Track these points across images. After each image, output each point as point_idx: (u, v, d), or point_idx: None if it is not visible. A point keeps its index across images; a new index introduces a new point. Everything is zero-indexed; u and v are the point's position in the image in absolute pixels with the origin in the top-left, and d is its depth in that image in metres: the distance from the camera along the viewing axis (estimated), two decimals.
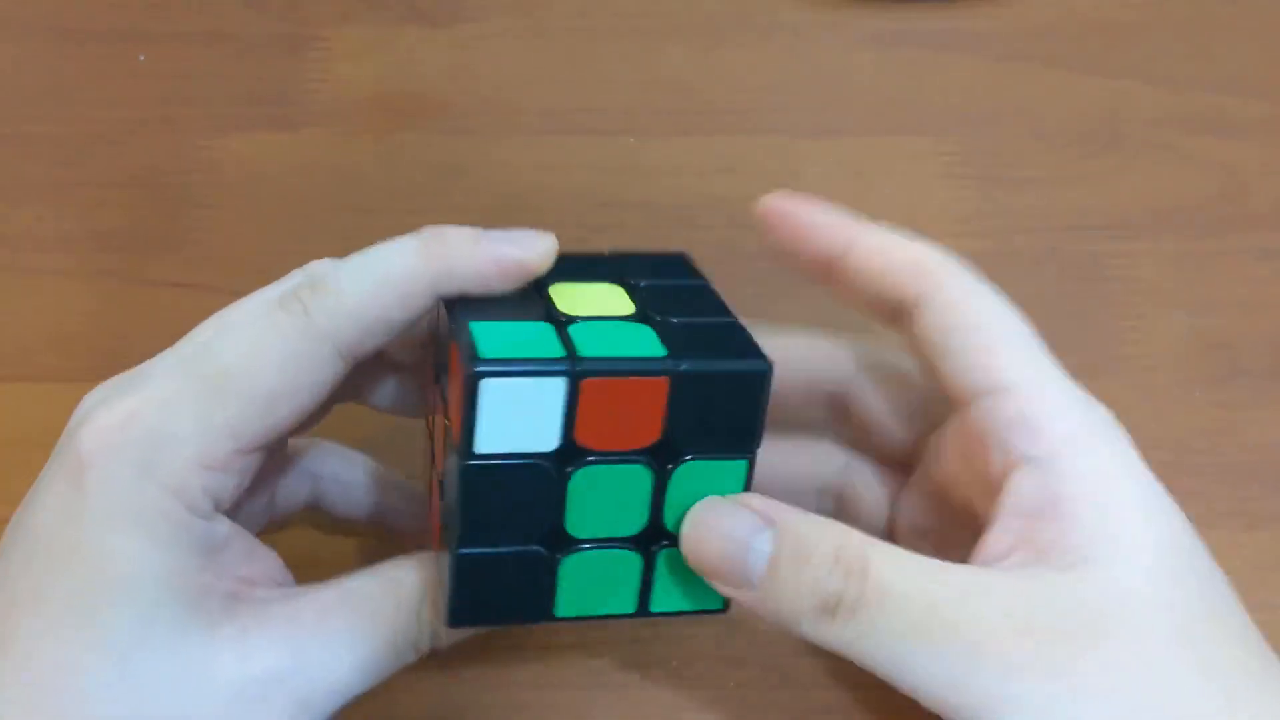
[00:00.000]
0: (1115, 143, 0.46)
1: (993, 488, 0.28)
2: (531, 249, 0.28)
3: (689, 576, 0.27)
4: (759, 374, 0.26)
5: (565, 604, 0.27)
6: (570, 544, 0.27)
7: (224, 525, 0.27)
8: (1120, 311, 0.42)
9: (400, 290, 0.27)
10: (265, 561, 0.29)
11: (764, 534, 0.26)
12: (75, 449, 0.26)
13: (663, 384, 0.26)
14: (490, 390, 0.24)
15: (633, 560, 0.28)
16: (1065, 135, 0.46)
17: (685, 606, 0.29)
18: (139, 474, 0.26)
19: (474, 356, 0.25)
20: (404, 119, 0.45)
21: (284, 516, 0.33)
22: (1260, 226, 0.44)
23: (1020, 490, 0.27)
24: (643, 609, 0.28)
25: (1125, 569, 0.26)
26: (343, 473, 0.33)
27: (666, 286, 0.29)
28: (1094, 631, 0.25)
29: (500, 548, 0.26)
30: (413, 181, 0.44)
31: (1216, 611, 0.27)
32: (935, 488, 0.31)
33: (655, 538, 0.27)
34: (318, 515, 0.34)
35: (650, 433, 0.26)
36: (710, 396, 0.26)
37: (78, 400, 0.38)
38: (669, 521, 0.27)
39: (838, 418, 0.34)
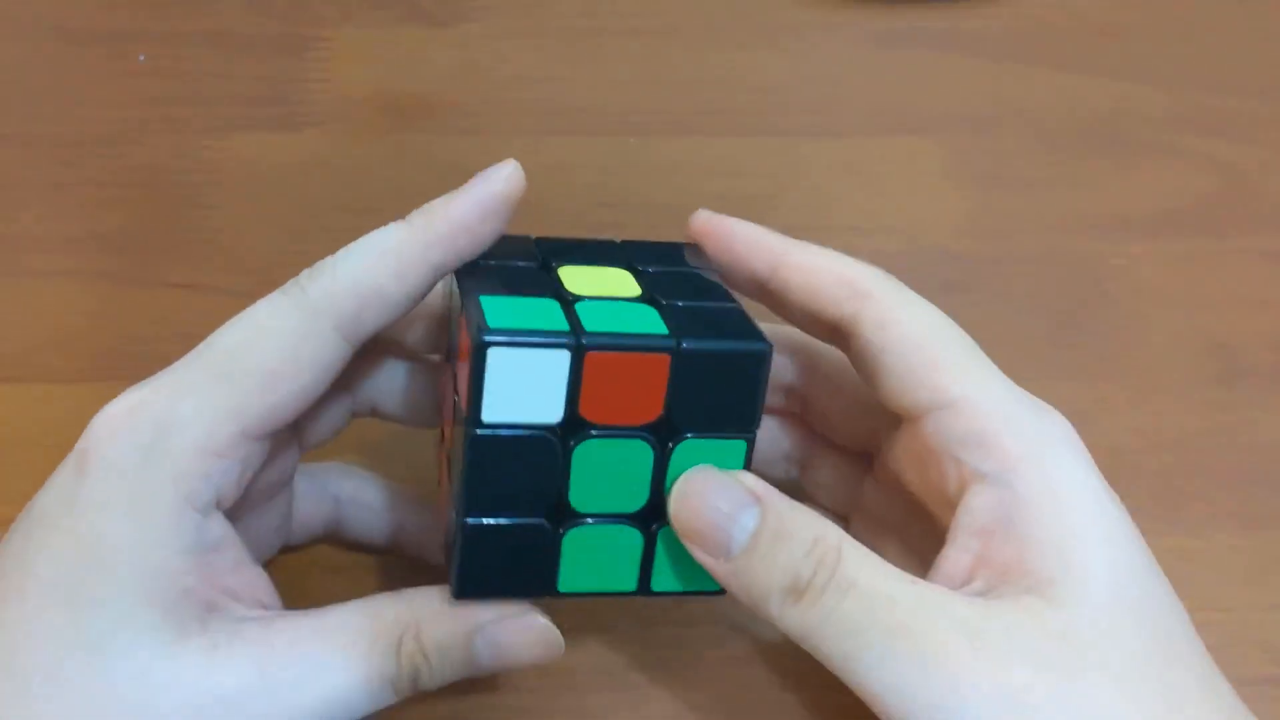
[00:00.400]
0: (1115, 143, 0.46)
1: (949, 501, 0.28)
2: (499, 177, 0.29)
3: (688, 557, 0.28)
4: (758, 354, 0.27)
5: (568, 579, 0.28)
6: (573, 518, 0.27)
7: (219, 527, 0.27)
8: (1120, 311, 0.42)
9: (393, 261, 0.28)
10: (253, 579, 0.28)
11: (751, 509, 0.27)
12: (85, 437, 0.27)
13: (664, 360, 0.26)
14: (497, 359, 0.25)
15: (634, 537, 0.28)
16: (1065, 135, 0.46)
17: (684, 587, 0.29)
18: (141, 459, 0.26)
19: (482, 326, 0.25)
20: (405, 119, 0.45)
21: (302, 538, 0.33)
22: (1260, 226, 0.44)
23: (975, 508, 0.27)
24: (643, 587, 0.29)
25: (1083, 599, 0.26)
26: (362, 494, 0.33)
27: (673, 273, 0.30)
28: (1048, 663, 0.25)
29: (505, 518, 0.27)
30: (414, 181, 0.44)
31: (1170, 641, 0.27)
32: (894, 488, 0.31)
33: (656, 515, 0.28)
34: (337, 537, 0.34)
35: (652, 409, 0.27)
36: (710, 375, 0.27)
37: (79, 400, 0.38)
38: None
39: (798, 405, 0.34)
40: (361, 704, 0.27)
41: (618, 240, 0.31)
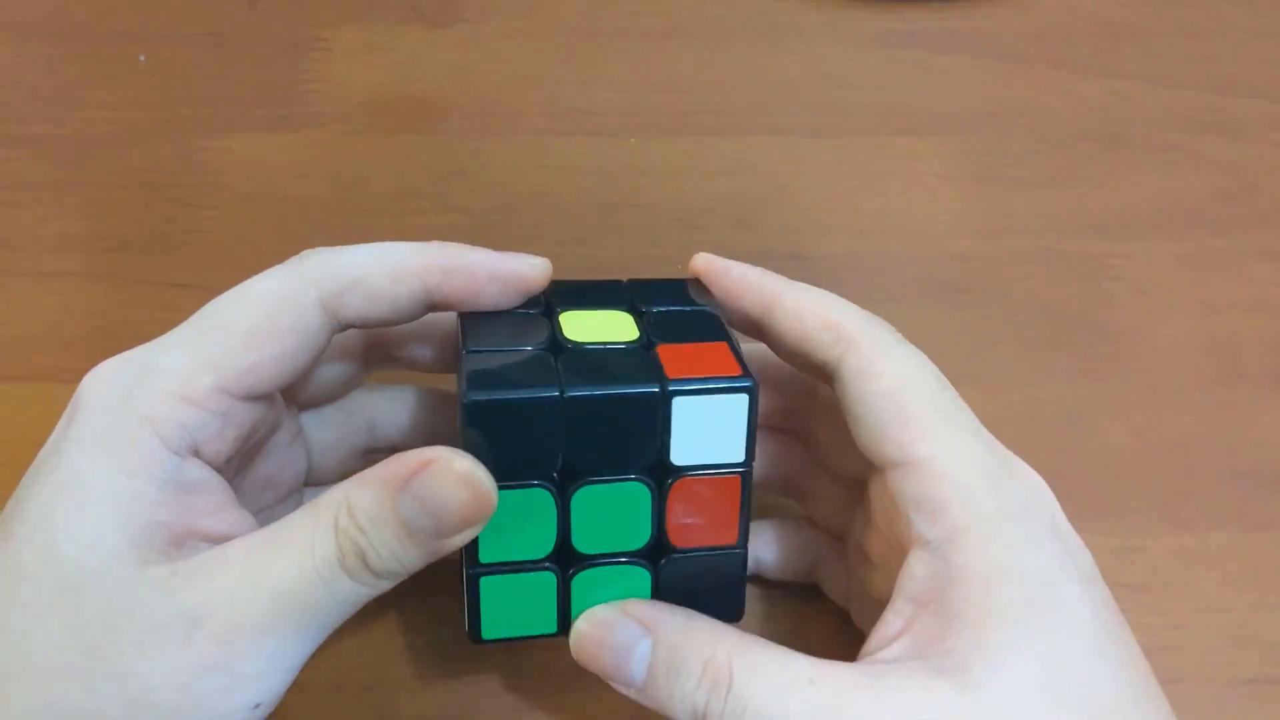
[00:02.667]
0: (1115, 143, 0.46)
1: (904, 557, 0.28)
2: (526, 260, 0.29)
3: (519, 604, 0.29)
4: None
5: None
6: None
7: (197, 470, 0.28)
8: (1122, 313, 0.42)
9: (391, 263, 0.28)
10: (237, 524, 0.28)
11: (644, 643, 0.28)
12: (78, 389, 0.28)
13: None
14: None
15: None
16: (1065, 135, 0.46)
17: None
18: (119, 403, 0.27)
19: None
20: (404, 120, 0.45)
21: (338, 476, 0.33)
22: (1260, 226, 0.44)
23: (914, 574, 0.27)
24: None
25: (995, 689, 0.25)
26: (397, 414, 0.34)
27: (674, 313, 0.31)
28: None
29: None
30: (413, 182, 0.44)
31: None
32: (877, 529, 0.31)
33: (568, 561, 0.29)
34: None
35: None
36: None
37: None
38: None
39: (798, 425, 0.34)
40: (319, 596, 0.26)
41: (624, 280, 0.32)
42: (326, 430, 0.33)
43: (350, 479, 0.27)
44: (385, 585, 0.27)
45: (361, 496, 0.26)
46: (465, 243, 0.30)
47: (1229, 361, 0.41)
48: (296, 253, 0.41)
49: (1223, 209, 0.44)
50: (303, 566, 0.26)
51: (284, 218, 0.43)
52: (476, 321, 0.29)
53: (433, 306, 0.29)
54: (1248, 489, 0.38)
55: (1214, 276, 0.42)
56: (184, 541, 0.27)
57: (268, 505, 0.32)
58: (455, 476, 0.26)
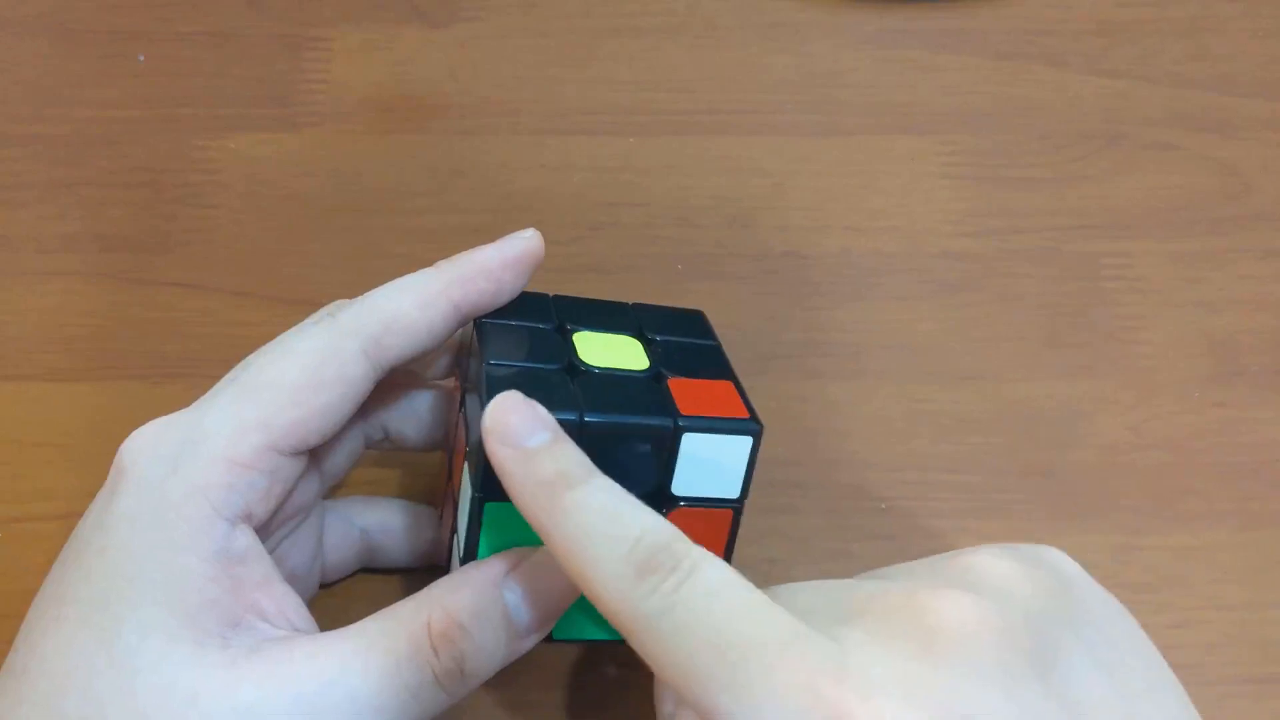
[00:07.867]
0: (1115, 142, 0.46)
1: None
2: (520, 237, 0.30)
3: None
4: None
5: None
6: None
7: (246, 538, 0.27)
8: (1120, 311, 0.42)
9: (417, 293, 0.29)
10: (283, 599, 0.28)
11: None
12: (117, 461, 0.27)
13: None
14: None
15: None
16: (1065, 135, 0.46)
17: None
18: (167, 472, 0.26)
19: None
20: (404, 119, 0.45)
21: (338, 574, 0.34)
22: (1260, 226, 0.44)
23: None
24: None
25: None
26: (390, 521, 0.34)
27: (681, 344, 0.31)
28: None
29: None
30: (413, 182, 0.44)
31: None
32: None
33: None
34: (371, 565, 0.34)
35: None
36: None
37: (79, 400, 0.39)
38: None
39: None
40: (397, 701, 0.26)
41: (629, 304, 0.33)
42: (329, 443, 0.32)
43: (428, 587, 0.27)
44: (462, 694, 0.26)
45: (459, 595, 0.26)
46: (464, 243, 0.30)
47: (1227, 360, 0.41)
48: (296, 252, 0.41)
49: (1220, 207, 0.44)
50: (380, 675, 0.25)
51: (284, 217, 0.43)
52: (495, 333, 0.29)
53: (463, 319, 0.30)
54: (1246, 487, 0.38)
55: (1212, 275, 0.42)
56: (238, 621, 0.26)
57: (293, 530, 0.31)
58: (554, 565, 0.26)
